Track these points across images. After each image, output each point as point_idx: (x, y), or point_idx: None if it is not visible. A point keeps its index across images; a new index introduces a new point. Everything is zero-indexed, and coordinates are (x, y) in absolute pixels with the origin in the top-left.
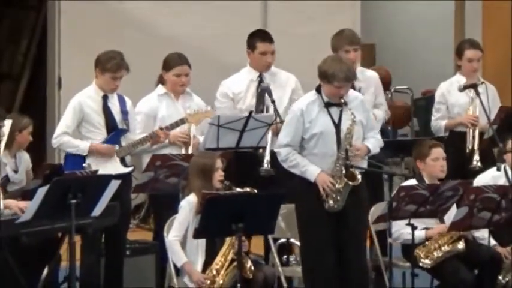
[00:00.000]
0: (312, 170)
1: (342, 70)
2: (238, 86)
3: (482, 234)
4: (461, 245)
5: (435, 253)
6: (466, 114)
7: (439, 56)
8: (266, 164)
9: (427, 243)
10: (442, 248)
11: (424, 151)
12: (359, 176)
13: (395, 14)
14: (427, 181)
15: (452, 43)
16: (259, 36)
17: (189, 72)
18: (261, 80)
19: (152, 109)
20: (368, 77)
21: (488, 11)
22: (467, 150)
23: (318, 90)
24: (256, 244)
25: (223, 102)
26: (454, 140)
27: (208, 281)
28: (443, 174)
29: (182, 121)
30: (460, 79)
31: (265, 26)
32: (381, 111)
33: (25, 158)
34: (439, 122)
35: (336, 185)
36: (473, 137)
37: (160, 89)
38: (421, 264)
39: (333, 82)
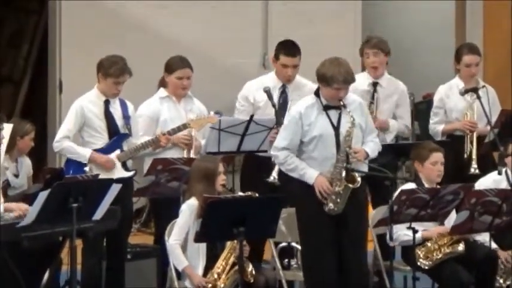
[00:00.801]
0: (310, 173)
1: (341, 73)
2: (261, 94)
3: (483, 238)
4: (461, 247)
5: (435, 254)
6: (463, 118)
7: (440, 59)
8: (272, 178)
9: (427, 243)
10: (442, 250)
11: (424, 154)
12: (359, 179)
13: (396, 17)
14: (425, 184)
15: (453, 46)
16: (284, 48)
17: (190, 75)
18: (283, 91)
19: (154, 112)
20: (394, 85)
21: (489, 13)
22: (465, 156)
23: (317, 93)
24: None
25: (243, 105)
26: (453, 144)
27: (210, 285)
28: (439, 179)
29: (184, 126)
30: (458, 83)
31: (266, 29)
32: (398, 123)
33: (27, 164)
34: (436, 126)
35: (336, 188)
36: (471, 142)
37: (162, 92)
38: (419, 264)
39: (332, 85)
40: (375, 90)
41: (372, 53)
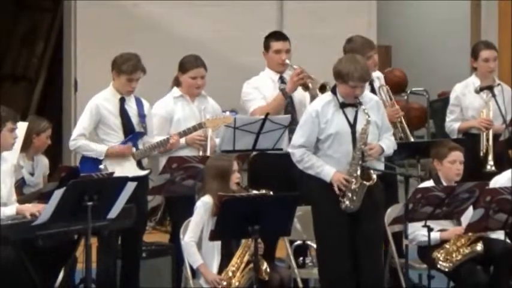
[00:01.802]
0: (327, 170)
1: (357, 70)
2: (267, 90)
3: (498, 236)
4: (479, 247)
5: (454, 255)
6: (479, 116)
7: (455, 58)
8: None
9: (446, 245)
10: (461, 251)
11: (443, 152)
12: (374, 176)
13: (411, 16)
14: (443, 182)
15: (468, 45)
16: (273, 36)
17: (204, 74)
18: (282, 81)
19: (168, 112)
20: (376, 74)
21: (504, 13)
22: (481, 153)
23: (333, 91)
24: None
25: (258, 94)
26: (469, 142)
27: (224, 283)
28: (458, 178)
29: (200, 126)
30: (475, 81)
31: (281, 27)
32: None
33: (44, 163)
34: (452, 124)
35: (352, 185)
36: (487, 140)
37: (176, 91)
38: (439, 267)
39: (348, 82)
40: (373, 87)
41: (375, 54)
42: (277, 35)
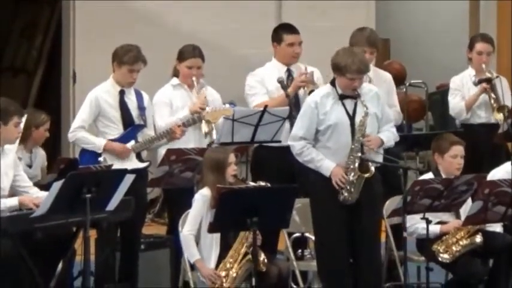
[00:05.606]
0: (326, 165)
1: (354, 62)
2: (272, 82)
3: (494, 229)
4: (479, 239)
5: (454, 247)
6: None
7: (453, 50)
8: None
9: (444, 237)
10: (460, 243)
11: (444, 146)
12: (372, 168)
13: (410, 9)
14: (443, 175)
15: (467, 37)
16: (285, 29)
17: (201, 65)
18: (289, 74)
19: (169, 98)
20: (381, 76)
21: (503, 10)
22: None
23: (333, 83)
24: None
25: (261, 88)
26: (468, 135)
27: (223, 273)
28: (458, 172)
29: (199, 118)
30: (471, 72)
31: (279, 21)
32: (393, 111)
33: (41, 155)
34: (458, 104)
35: (350, 177)
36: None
37: (174, 80)
38: (440, 259)
39: (346, 74)
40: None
41: (370, 52)
42: (290, 28)
